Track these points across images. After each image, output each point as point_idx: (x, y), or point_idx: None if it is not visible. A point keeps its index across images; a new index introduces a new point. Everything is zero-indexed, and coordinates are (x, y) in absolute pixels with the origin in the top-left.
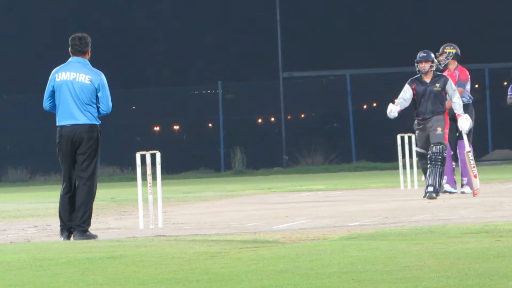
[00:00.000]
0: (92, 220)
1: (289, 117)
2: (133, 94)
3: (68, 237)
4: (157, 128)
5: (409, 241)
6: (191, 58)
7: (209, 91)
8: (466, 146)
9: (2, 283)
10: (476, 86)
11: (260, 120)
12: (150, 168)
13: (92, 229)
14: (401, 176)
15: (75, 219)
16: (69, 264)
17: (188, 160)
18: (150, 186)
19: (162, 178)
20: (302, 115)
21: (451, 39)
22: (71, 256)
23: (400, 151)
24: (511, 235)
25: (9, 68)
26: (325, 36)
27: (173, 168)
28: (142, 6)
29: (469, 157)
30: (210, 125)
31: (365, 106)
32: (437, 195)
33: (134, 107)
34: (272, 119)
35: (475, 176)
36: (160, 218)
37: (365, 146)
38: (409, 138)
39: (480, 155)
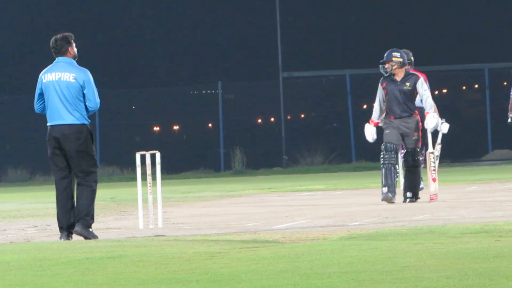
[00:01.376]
0: None
1: (289, 117)
2: (133, 94)
3: (68, 237)
4: (157, 128)
5: (408, 241)
6: (191, 58)
7: (209, 91)
8: (430, 147)
9: (2, 283)
10: (476, 86)
11: (260, 120)
12: (150, 168)
13: (92, 229)
14: (401, 176)
15: (78, 213)
16: (69, 264)
17: (188, 160)
18: (150, 186)
19: (162, 178)
20: (302, 115)
21: (451, 39)
22: (71, 256)
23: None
24: (511, 235)
25: (9, 68)
26: (325, 36)
27: (173, 168)
28: (143, 7)
29: (430, 158)
30: (210, 125)
31: (365, 106)
32: (416, 198)
33: (134, 107)
34: (272, 119)
35: (433, 180)
36: (160, 218)
37: (365, 146)
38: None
39: (480, 155)
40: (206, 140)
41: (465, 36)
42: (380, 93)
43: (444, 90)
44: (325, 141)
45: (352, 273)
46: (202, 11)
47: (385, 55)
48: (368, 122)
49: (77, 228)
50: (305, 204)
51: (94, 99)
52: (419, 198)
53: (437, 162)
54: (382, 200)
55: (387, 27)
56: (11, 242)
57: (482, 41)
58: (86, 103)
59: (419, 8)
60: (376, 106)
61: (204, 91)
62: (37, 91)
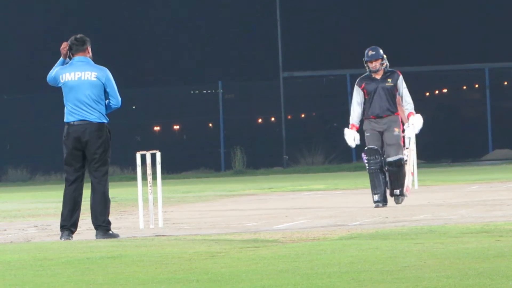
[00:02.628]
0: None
1: (289, 117)
2: (133, 94)
3: (68, 237)
4: (157, 128)
5: (409, 240)
6: (191, 58)
7: (209, 91)
8: (410, 144)
9: (2, 283)
10: (476, 86)
11: (260, 120)
12: (150, 167)
13: (91, 228)
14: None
15: (95, 221)
16: (69, 264)
17: (188, 160)
18: (150, 186)
19: (162, 178)
20: (302, 115)
21: (452, 39)
22: (71, 256)
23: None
24: (511, 235)
25: (9, 68)
26: (325, 36)
27: (173, 168)
28: (143, 7)
29: (410, 155)
30: (210, 125)
31: None
32: (402, 199)
33: (134, 107)
34: (272, 119)
35: (411, 174)
36: (160, 218)
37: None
38: (409, 138)
39: (480, 155)
40: (207, 140)
41: (465, 36)
42: (358, 95)
43: (444, 90)
44: (325, 141)
45: (353, 273)
46: (202, 11)
47: (373, 53)
48: (348, 127)
49: (98, 236)
50: (306, 204)
51: (117, 97)
52: (406, 195)
53: (414, 159)
54: (375, 208)
55: (388, 27)
56: (11, 242)
57: (483, 41)
58: (109, 101)
59: (419, 8)
60: (355, 109)
61: (204, 91)
62: (54, 75)
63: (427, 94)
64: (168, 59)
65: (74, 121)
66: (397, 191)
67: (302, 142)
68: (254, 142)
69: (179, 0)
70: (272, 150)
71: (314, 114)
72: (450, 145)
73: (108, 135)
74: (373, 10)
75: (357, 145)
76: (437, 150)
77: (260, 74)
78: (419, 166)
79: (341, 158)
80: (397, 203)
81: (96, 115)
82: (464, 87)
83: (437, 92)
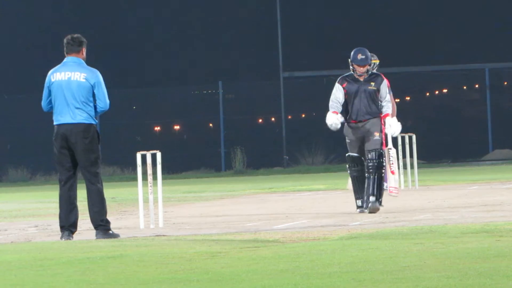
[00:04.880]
0: None
1: (289, 117)
2: (133, 94)
3: (69, 237)
4: (157, 128)
5: (409, 240)
6: (191, 58)
7: (209, 91)
8: (389, 143)
9: (2, 283)
10: (477, 86)
11: (260, 120)
12: (151, 168)
13: (91, 228)
14: (401, 176)
15: (94, 221)
16: (70, 264)
17: (188, 160)
18: (150, 186)
19: (163, 178)
20: (303, 115)
21: (452, 39)
22: (71, 256)
23: (400, 151)
24: (511, 235)
25: (9, 68)
26: (325, 36)
27: (174, 168)
28: (143, 6)
29: (389, 153)
30: (210, 125)
31: None
32: (380, 204)
33: (134, 107)
34: (273, 119)
35: (392, 172)
36: (160, 218)
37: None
38: (410, 138)
39: (480, 155)
40: (207, 140)
41: (465, 36)
42: (337, 92)
43: (444, 90)
44: (325, 141)
45: (353, 273)
46: (202, 11)
47: (363, 57)
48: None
49: (98, 236)
50: (306, 204)
51: (104, 100)
52: (382, 206)
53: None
54: (359, 213)
55: (388, 27)
56: (12, 241)
57: (483, 41)
58: (96, 103)
59: (419, 8)
60: (333, 103)
61: (204, 91)
62: (45, 90)
63: (427, 94)
64: (168, 59)
65: (62, 122)
66: (373, 198)
67: (302, 142)
68: (254, 142)
69: (180, 0)
70: (272, 150)
71: (314, 114)
72: (450, 145)
73: (95, 136)
74: (373, 10)
75: (340, 123)
76: (437, 150)
77: (260, 74)
78: (419, 166)
79: (341, 158)
80: (372, 209)
81: (84, 116)
82: (464, 87)
83: (437, 92)
